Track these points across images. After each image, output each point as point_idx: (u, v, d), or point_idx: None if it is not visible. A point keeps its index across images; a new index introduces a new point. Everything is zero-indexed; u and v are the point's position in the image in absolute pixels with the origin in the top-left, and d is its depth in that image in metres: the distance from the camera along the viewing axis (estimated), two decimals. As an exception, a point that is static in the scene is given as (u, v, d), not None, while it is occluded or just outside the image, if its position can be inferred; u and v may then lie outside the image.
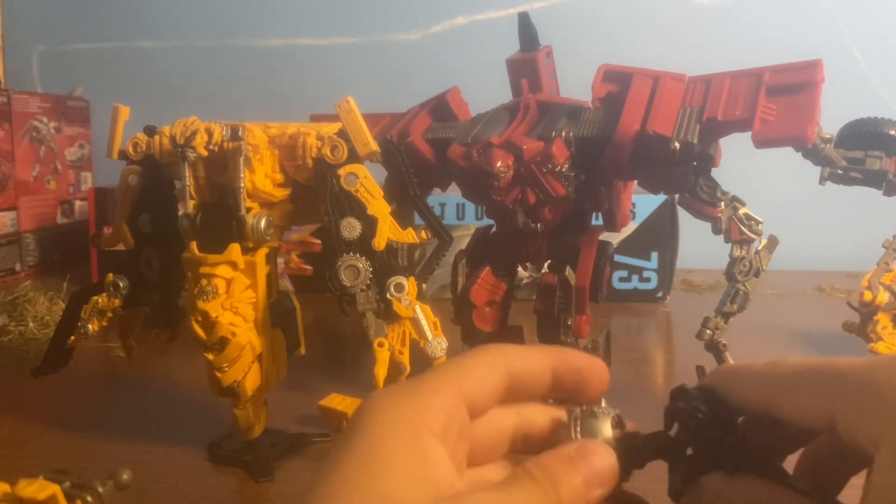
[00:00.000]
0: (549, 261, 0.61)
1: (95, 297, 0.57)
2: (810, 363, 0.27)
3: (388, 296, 0.53)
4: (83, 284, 0.60)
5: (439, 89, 0.65)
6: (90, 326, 0.57)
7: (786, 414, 0.27)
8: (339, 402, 0.60)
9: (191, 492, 0.51)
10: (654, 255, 1.05)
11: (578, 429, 0.29)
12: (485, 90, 0.67)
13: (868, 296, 0.71)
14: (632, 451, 0.29)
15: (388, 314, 0.53)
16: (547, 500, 0.26)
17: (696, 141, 0.52)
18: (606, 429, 0.29)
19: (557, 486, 0.26)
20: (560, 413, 0.31)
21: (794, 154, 0.56)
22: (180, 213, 0.53)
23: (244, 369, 0.52)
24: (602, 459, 0.28)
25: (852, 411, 0.24)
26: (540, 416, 0.31)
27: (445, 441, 0.27)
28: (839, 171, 0.56)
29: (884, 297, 0.71)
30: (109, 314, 0.57)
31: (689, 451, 0.29)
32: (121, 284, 0.57)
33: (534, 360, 0.30)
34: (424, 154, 0.61)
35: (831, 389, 0.25)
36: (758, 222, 0.57)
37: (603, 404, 0.30)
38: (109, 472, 0.41)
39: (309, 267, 1.06)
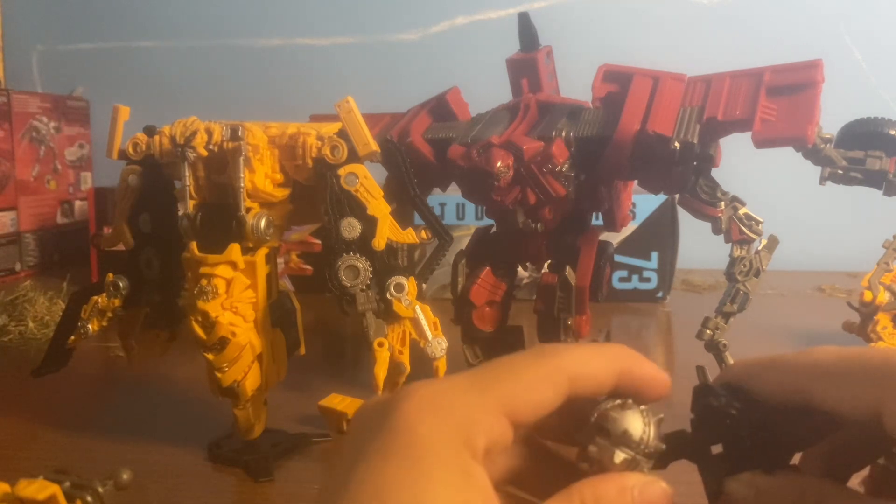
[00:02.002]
0: (549, 261, 0.61)
1: (95, 297, 0.57)
2: (855, 352, 0.26)
3: (388, 296, 0.53)
4: (83, 284, 0.60)
5: (439, 89, 0.65)
6: (90, 326, 0.57)
7: (826, 404, 0.26)
8: (339, 402, 0.60)
9: (191, 492, 0.51)
10: (654, 255, 1.05)
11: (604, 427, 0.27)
12: (485, 90, 0.67)
13: (868, 296, 0.71)
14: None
15: (388, 314, 0.53)
16: None
17: (696, 141, 0.52)
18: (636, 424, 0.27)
19: None
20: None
21: (794, 154, 0.56)
22: (180, 213, 0.53)
23: (244, 369, 0.52)
24: (658, 495, 0.26)
25: None
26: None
27: (487, 463, 0.25)
28: (839, 171, 0.56)
29: (884, 297, 0.71)
30: (109, 314, 0.57)
31: (715, 450, 0.28)
32: (121, 284, 0.57)
33: (600, 372, 0.27)
34: (424, 154, 0.61)
35: (881, 380, 0.24)
36: (758, 222, 0.57)
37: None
38: (109, 472, 0.41)
39: (309, 267, 1.06)
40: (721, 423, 0.28)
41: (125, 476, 0.41)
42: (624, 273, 1.05)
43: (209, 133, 0.50)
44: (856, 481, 0.29)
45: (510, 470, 0.29)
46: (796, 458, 0.29)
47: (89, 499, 0.38)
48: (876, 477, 0.29)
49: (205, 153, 0.51)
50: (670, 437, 0.28)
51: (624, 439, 0.27)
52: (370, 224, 0.52)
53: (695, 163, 0.55)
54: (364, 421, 0.26)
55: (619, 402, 0.28)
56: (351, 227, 0.52)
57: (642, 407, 0.28)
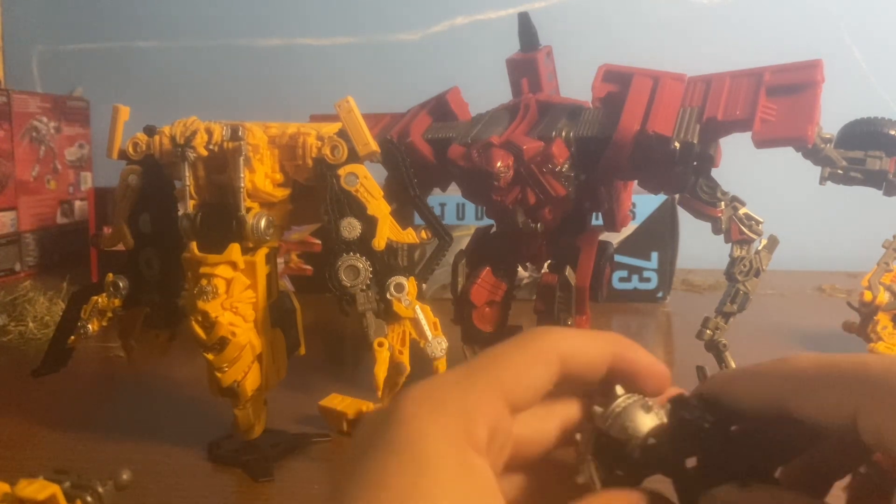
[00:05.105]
0: (549, 261, 0.61)
1: (95, 297, 0.57)
2: (831, 359, 0.25)
3: (388, 296, 0.53)
4: (83, 284, 0.60)
5: (439, 89, 0.65)
6: (90, 326, 0.57)
7: (806, 412, 0.25)
8: (339, 402, 0.60)
9: (191, 492, 0.51)
10: (654, 255, 1.05)
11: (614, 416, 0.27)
12: (485, 90, 0.67)
13: (868, 296, 0.71)
14: (629, 465, 0.27)
15: (388, 314, 0.53)
16: None
17: (696, 141, 0.52)
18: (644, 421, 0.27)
19: None
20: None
21: (794, 154, 0.56)
22: (180, 213, 0.53)
23: (244, 369, 0.52)
24: None
25: (878, 411, 0.23)
26: (575, 410, 0.29)
27: (489, 454, 0.25)
28: (839, 171, 0.56)
29: (884, 297, 0.71)
30: (109, 314, 0.57)
31: (690, 464, 0.27)
32: (121, 284, 0.57)
33: (591, 351, 0.27)
34: (424, 154, 0.61)
35: (856, 387, 0.24)
36: (758, 222, 0.57)
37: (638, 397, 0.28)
38: (109, 472, 0.41)
39: (309, 267, 1.06)
40: (695, 436, 0.27)
41: (125, 476, 0.41)
42: (624, 273, 1.05)
43: (209, 133, 0.50)
44: (838, 489, 0.29)
45: (520, 493, 0.29)
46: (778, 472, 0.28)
47: (89, 499, 0.38)
48: (857, 486, 0.28)
49: (205, 153, 0.51)
50: (646, 450, 0.27)
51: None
52: (370, 224, 0.52)
53: (695, 163, 0.55)
54: (367, 426, 0.26)
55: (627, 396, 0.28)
56: (351, 227, 0.52)
57: (649, 402, 0.27)
